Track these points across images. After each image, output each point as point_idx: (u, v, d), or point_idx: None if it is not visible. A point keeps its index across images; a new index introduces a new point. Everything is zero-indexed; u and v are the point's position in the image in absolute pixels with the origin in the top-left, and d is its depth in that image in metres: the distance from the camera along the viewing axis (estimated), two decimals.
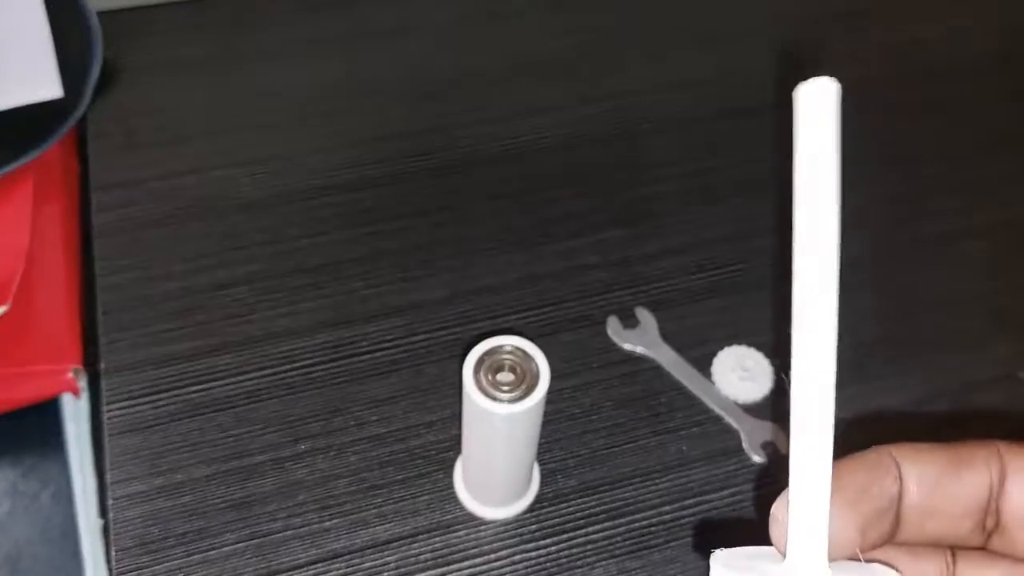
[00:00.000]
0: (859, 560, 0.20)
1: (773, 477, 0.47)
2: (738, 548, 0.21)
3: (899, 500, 0.21)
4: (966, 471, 0.21)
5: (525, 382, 0.37)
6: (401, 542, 0.44)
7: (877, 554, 0.21)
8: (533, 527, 0.45)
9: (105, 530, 0.44)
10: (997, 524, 0.21)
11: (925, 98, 0.63)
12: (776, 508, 0.20)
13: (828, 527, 0.19)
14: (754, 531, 0.46)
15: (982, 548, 0.21)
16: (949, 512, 0.21)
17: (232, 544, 0.44)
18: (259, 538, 0.44)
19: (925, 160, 0.60)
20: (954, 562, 0.22)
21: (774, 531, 0.20)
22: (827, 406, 0.19)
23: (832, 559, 0.19)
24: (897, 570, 0.21)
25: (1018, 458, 0.21)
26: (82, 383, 0.48)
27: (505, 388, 0.37)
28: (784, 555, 0.20)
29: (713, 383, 0.49)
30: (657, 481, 0.46)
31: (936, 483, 0.21)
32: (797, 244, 0.19)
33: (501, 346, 0.37)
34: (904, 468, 0.21)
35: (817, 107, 0.18)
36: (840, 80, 0.21)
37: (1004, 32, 0.68)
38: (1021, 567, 0.21)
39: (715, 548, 0.46)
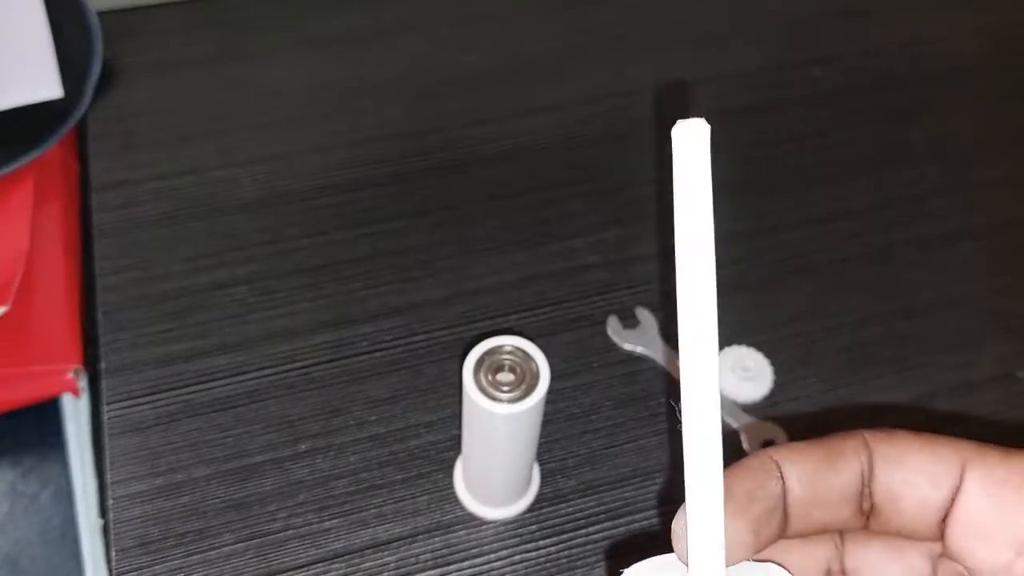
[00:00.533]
0: (752, 562, 0.22)
1: None
2: (646, 560, 0.23)
3: (784, 498, 0.23)
4: (840, 462, 0.23)
5: (525, 382, 0.37)
6: (401, 542, 0.44)
7: (770, 549, 0.23)
8: (533, 527, 0.45)
9: (105, 530, 0.44)
10: (872, 506, 0.23)
11: (923, 98, 0.64)
12: (675, 523, 0.22)
13: (724, 534, 0.21)
14: None
15: (864, 529, 0.24)
16: (830, 501, 0.23)
17: (232, 544, 0.44)
18: (259, 538, 0.44)
19: (923, 160, 0.60)
20: (843, 543, 0.25)
21: (676, 544, 0.22)
22: (714, 422, 0.20)
23: (729, 563, 0.21)
24: (785, 568, 0.23)
25: (881, 445, 0.23)
26: (82, 383, 0.48)
27: (505, 388, 0.37)
28: (687, 564, 0.21)
29: None
30: (657, 481, 0.46)
31: (814, 477, 0.23)
32: (679, 271, 0.20)
33: (501, 346, 0.37)
34: (785, 468, 0.23)
35: (691, 146, 0.19)
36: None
37: (1002, 32, 0.68)
38: (897, 540, 0.24)
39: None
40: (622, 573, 0.23)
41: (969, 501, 0.22)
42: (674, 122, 0.20)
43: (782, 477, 0.23)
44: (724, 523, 0.21)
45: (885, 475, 0.23)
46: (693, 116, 0.20)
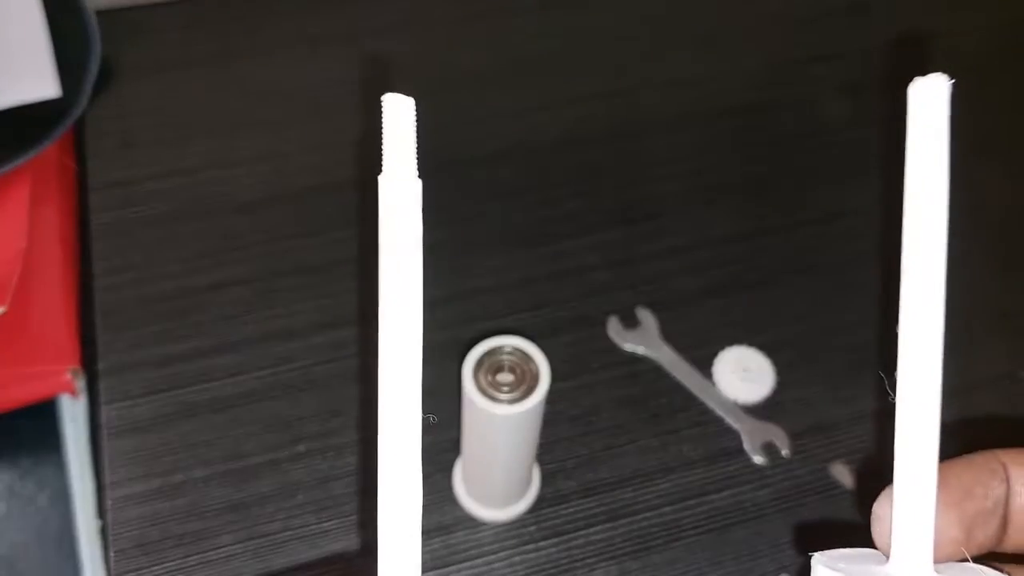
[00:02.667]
0: (967, 561, 0.20)
1: (774, 478, 0.46)
2: (836, 550, 0.21)
3: (1006, 504, 0.21)
4: None
5: (525, 383, 0.37)
6: None
7: (987, 559, 0.21)
8: (533, 528, 0.45)
9: (103, 532, 0.44)
10: None
11: None
12: (879, 506, 0.20)
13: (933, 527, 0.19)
14: (755, 532, 0.46)
15: None
16: None
17: (230, 545, 0.43)
18: (257, 539, 0.44)
19: None
20: None
21: (876, 529, 0.20)
22: (934, 404, 0.19)
23: (937, 560, 0.19)
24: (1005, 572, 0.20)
25: None
26: (80, 384, 0.48)
27: (505, 389, 0.36)
28: (887, 555, 0.19)
29: (714, 384, 0.49)
30: (657, 482, 0.46)
31: None
32: (906, 244, 0.19)
33: (501, 347, 0.37)
34: (1012, 471, 0.21)
35: (930, 104, 0.18)
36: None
37: (1005, 29, 0.68)
38: None
39: (715, 549, 0.46)
40: (812, 556, 0.21)
41: None
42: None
43: (1008, 479, 0.21)
44: (934, 514, 0.19)
45: None
46: (933, 73, 0.19)
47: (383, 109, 0.19)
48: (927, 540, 0.19)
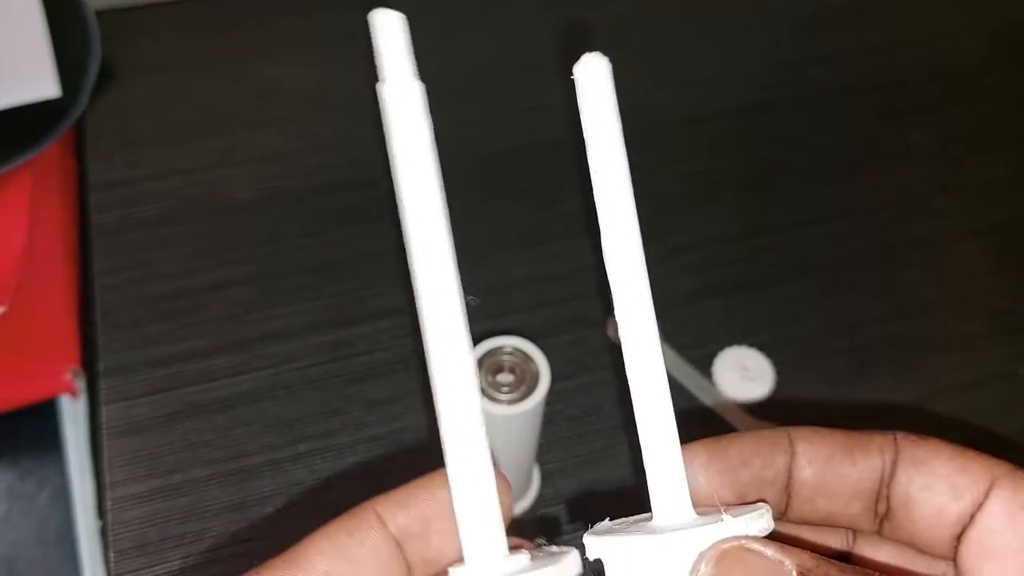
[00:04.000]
0: (719, 510, 0.21)
1: None
2: (604, 522, 0.23)
3: (790, 477, 0.22)
4: (860, 455, 0.22)
5: (525, 383, 0.37)
6: None
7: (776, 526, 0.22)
8: (534, 528, 0.45)
9: (103, 532, 0.44)
10: (887, 509, 0.22)
11: (924, 97, 0.63)
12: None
13: (687, 479, 0.20)
14: None
15: (876, 533, 0.23)
16: (839, 492, 0.22)
17: (230, 546, 0.43)
18: (257, 539, 0.44)
19: (924, 160, 0.60)
20: (854, 540, 0.24)
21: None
22: (658, 364, 0.21)
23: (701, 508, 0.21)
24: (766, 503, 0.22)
25: (912, 447, 0.22)
26: (80, 384, 0.48)
27: (505, 389, 0.36)
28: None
29: (714, 384, 0.49)
30: None
31: (828, 463, 0.22)
32: (598, 204, 0.19)
33: (500, 347, 0.37)
34: (799, 447, 0.22)
35: (595, 81, 0.19)
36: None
37: (1003, 30, 0.68)
38: (908, 550, 0.23)
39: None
40: (590, 528, 0.22)
41: (989, 519, 0.21)
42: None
43: (794, 454, 0.22)
44: (706, 481, 0.21)
45: (906, 477, 0.22)
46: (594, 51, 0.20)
47: (373, 25, 0.19)
48: (681, 485, 0.20)
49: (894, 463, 0.22)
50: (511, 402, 0.36)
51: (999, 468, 0.22)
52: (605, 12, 0.66)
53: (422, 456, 0.46)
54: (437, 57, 0.63)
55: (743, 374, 0.49)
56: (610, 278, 0.20)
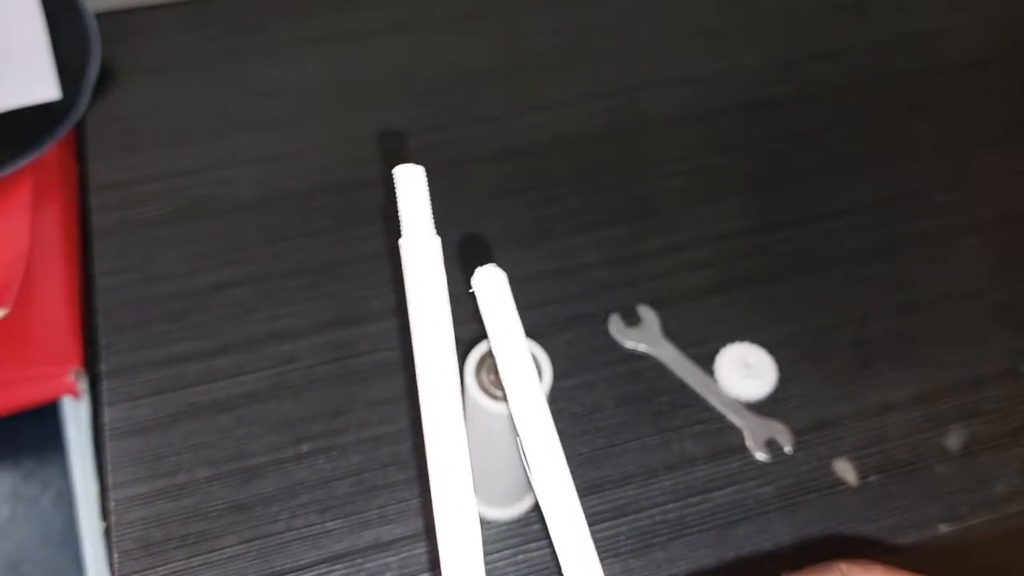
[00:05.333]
0: None
1: (776, 475, 0.46)
2: None
3: None
4: None
5: None
6: (403, 543, 0.44)
7: None
8: (536, 527, 0.45)
9: (106, 533, 0.44)
10: None
11: (927, 93, 0.63)
12: None
13: None
14: (758, 529, 0.46)
15: None
16: None
17: (234, 546, 0.43)
18: (261, 540, 0.44)
19: (927, 155, 0.60)
20: None
21: None
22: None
23: None
24: None
25: None
26: (82, 385, 0.48)
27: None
28: None
29: (716, 381, 0.49)
30: (660, 480, 0.46)
31: None
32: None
33: None
34: None
35: (494, 291, 0.20)
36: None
37: (1006, 25, 0.68)
38: None
39: (718, 546, 0.46)
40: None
41: None
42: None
43: None
44: None
45: None
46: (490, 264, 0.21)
47: (396, 180, 0.20)
48: None
49: None
50: None
51: None
52: (606, 10, 0.66)
53: (425, 456, 0.46)
54: (437, 58, 0.63)
55: (746, 371, 0.49)
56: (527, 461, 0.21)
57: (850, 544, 0.44)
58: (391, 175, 0.21)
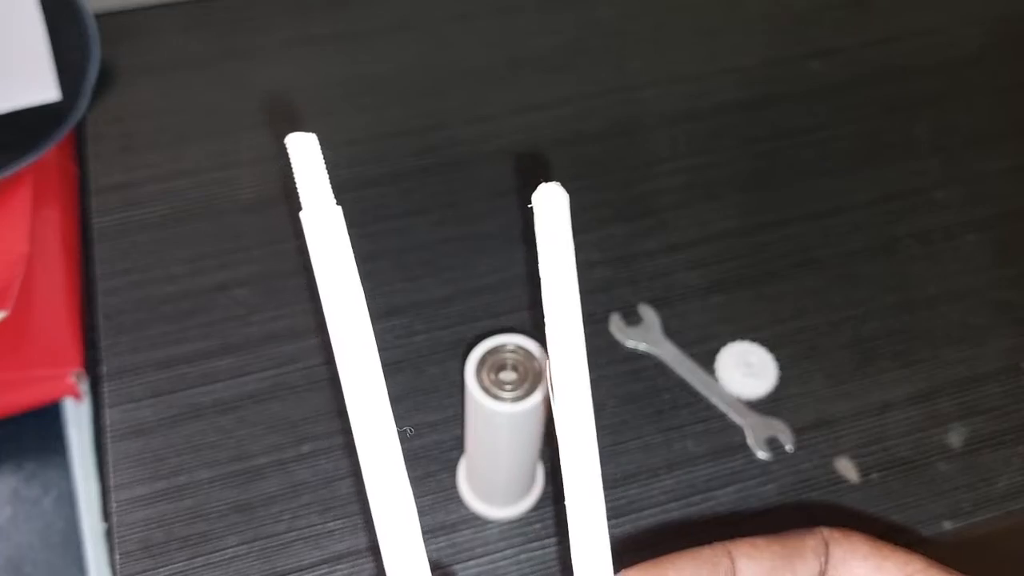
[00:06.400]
0: None
1: (778, 473, 0.46)
2: None
3: None
4: (797, 562, 0.22)
5: (528, 381, 0.37)
6: None
7: None
8: (538, 526, 0.45)
9: (108, 534, 0.44)
10: None
11: (925, 90, 0.63)
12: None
13: None
14: (759, 527, 0.46)
15: None
16: None
17: (235, 547, 0.43)
18: (263, 540, 0.44)
19: (925, 153, 0.60)
20: None
21: None
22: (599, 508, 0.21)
23: None
24: None
25: (838, 547, 0.23)
26: (83, 387, 0.48)
27: (508, 387, 0.36)
28: None
29: (717, 379, 0.49)
30: (662, 478, 0.46)
31: (770, 575, 0.22)
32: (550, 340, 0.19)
33: (503, 345, 0.37)
34: (739, 562, 0.22)
35: (552, 212, 0.19)
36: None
37: (1003, 22, 0.68)
38: None
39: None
40: None
41: None
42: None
43: (735, 570, 0.22)
44: None
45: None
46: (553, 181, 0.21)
47: (289, 150, 0.20)
48: None
49: (827, 563, 0.23)
50: (514, 400, 0.36)
51: (913, 564, 0.22)
52: (605, 10, 0.66)
53: (426, 456, 0.46)
54: (438, 57, 0.63)
55: (746, 369, 0.49)
56: (555, 412, 0.20)
57: None
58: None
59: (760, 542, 0.23)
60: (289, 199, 0.55)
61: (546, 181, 0.20)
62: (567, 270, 0.20)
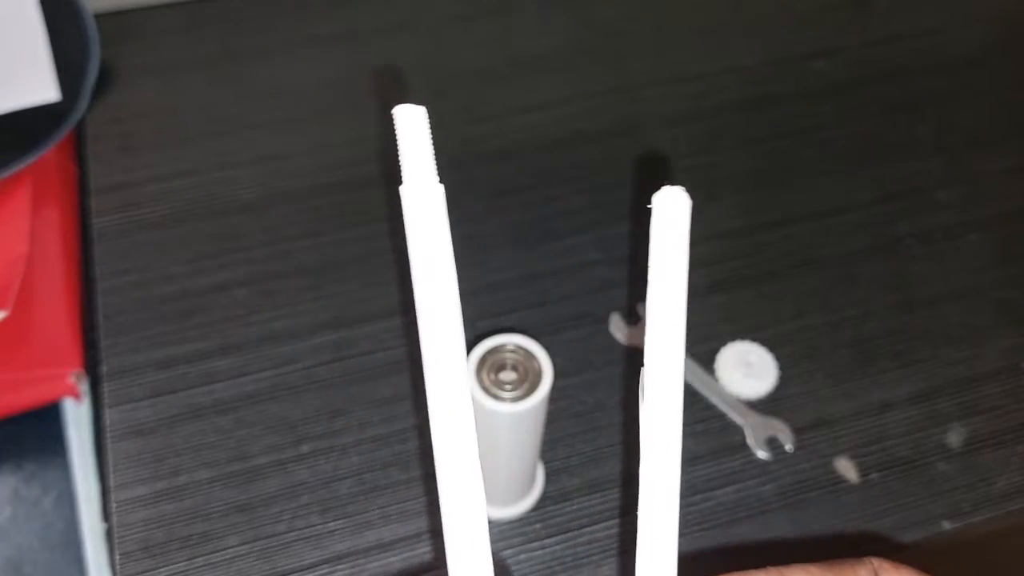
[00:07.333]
0: None
1: (777, 473, 0.46)
2: None
3: None
4: None
5: (528, 381, 0.37)
6: (405, 543, 0.44)
7: None
8: (538, 526, 0.45)
9: (108, 535, 0.44)
10: None
11: (927, 90, 0.63)
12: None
13: None
14: (759, 527, 0.46)
15: None
16: None
17: (235, 547, 0.43)
18: (263, 540, 0.44)
19: (927, 153, 0.60)
20: None
21: None
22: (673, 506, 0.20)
23: None
24: None
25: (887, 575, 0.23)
26: (83, 387, 0.48)
27: (508, 387, 0.36)
28: None
29: (717, 379, 0.49)
30: None
31: None
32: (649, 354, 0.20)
33: (503, 345, 0.37)
34: None
35: (671, 215, 0.19)
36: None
37: (1006, 22, 0.68)
38: None
39: (720, 544, 0.46)
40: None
41: None
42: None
43: None
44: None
45: None
46: (675, 185, 0.20)
47: (396, 121, 0.19)
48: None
49: None
50: (514, 400, 0.36)
51: None
52: (606, 10, 0.66)
53: (425, 456, 0.46)
54: (437, 57, 0.63)
55: (746, 369, 0.49)
56: (642, 416, 0.20)
57: (852, 542, 0.44)
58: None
59: (813, 569, 0.23)
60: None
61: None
62: (678, 275, 0.20)
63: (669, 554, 0.20)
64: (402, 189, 0.19)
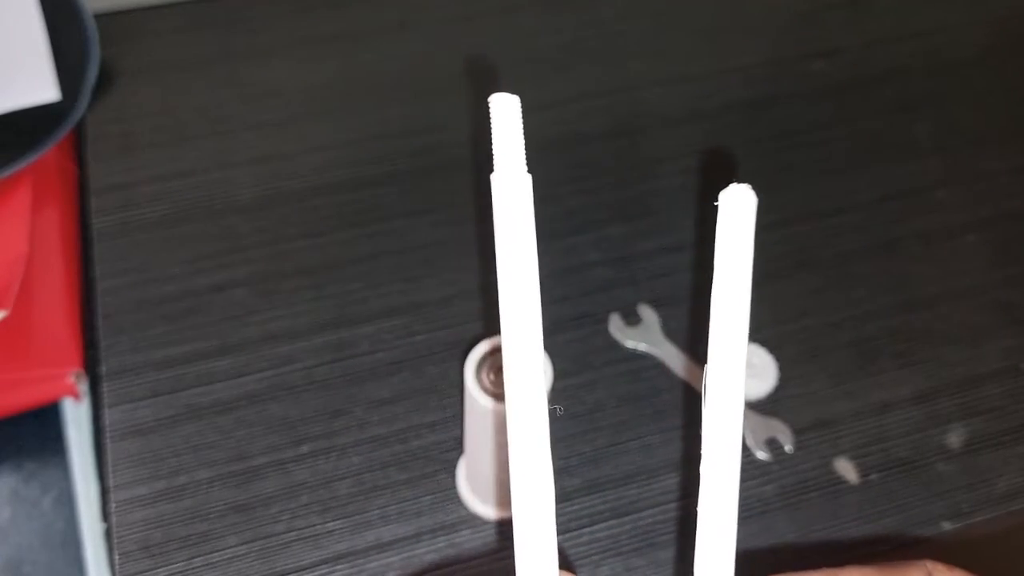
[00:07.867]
0: None
1: (777, 473, 0.46)
2: None
3: None
4: None
5: None
6: (405, 543, 0.44)
7: None
8: None
9: (107, 535, 0.44)
10: None
11: (926, 90, 0.63)
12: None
13: None
14: (759, 528, 0.46)
15: None
16: None
17: (235, 547, 0.43)
18: (262, 540, 0.44)
19: (927, 153, 0.60)
20: None
21: None
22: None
23: None
24: None
25: None
26: (83, 387, 0.48)
27: None
28: None
29: None
30: (662, 479, 0.46)
31: None
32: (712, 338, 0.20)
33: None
34: None
35: (737, 213, 0.19)
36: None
37: (1005, 23, 0.68)
38: None
39: None
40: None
41: None
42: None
43: None
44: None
45: None
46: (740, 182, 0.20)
47: (491, 109, 0.19)
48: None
49: None
50: None
51: None
52: (605, 9, 0.66)
53: (425, 456, 0.46)
54: (437, 57, 0.63)
55: (747, 370, 0.49)
56: (707, 398, 0.20)
57: (852, 542, 0.44)
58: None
59: (868, 571, 0.23)
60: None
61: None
62: (743, 273, 0.20)
63: (727, 556, 0.20)
64: (493, 177, 0.19)
